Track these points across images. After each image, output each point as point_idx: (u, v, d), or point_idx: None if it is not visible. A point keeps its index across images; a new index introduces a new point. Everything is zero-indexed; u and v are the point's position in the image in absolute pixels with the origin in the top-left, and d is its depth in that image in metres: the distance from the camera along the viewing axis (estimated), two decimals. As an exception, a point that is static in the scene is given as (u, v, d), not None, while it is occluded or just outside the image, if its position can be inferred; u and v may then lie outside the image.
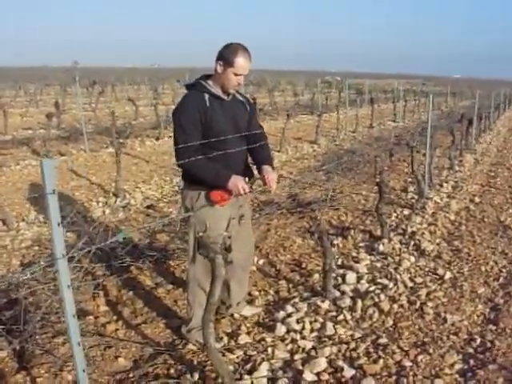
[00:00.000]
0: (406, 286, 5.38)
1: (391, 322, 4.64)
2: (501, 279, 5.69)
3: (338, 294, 5.13)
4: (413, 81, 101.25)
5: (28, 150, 13.55)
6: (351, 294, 5.16)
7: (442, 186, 9.82)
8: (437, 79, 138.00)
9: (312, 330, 4.48)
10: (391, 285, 5.35)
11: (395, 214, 7.92)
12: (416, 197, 8.89)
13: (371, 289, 5.27)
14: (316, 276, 5.57)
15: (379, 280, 5.47)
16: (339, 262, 6.02)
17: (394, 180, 10.51)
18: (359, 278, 5.53)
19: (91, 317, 4.73)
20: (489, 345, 4.29)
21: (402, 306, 4.95)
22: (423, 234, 6.95)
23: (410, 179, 10.44)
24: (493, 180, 10.95)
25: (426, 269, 5.88)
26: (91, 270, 5.58)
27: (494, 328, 4.59)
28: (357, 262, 5.94)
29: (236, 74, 3.78)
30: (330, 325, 4.49)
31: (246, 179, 4.01)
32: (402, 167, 12.03)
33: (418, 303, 4.96)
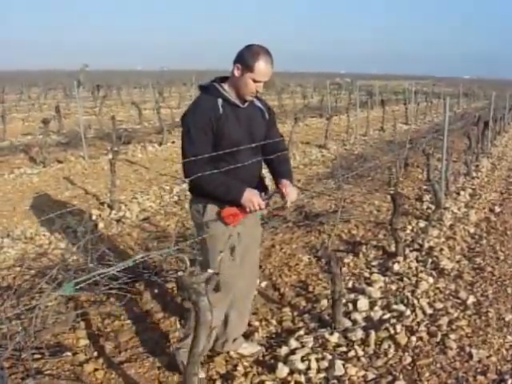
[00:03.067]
0: (424, 313, 4.78)
1: (409, 359, 4.05)
2: (531, 305, 5.11)
3: (348, 323, 4.55)
4: (423, 81, 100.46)
5: (25, 157, 13.02)
6: (363, 324, 4.58)
7: (458, 193, 9.23)
8: (447, 80, 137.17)
9: (319, 370, 3.89)
10: (408, 312, 4.75)
11: (410, 227, 7.33)
12: (432, 206, 8.30)
13: (386, 317, 4.69)
14: (324, 302, 4.97)
15: (394, 306, 4.88)
16: (350, 285, 5.44)
17: (407, 188, 9.92)
18: (372, 304, 4.94)
19: (69, 353, 4.16)
20: (522, 387, 3.71)
21: (421, 338, 4.35)
22: (442, 249, 6.35)
23: (425, 187, 9.85)
24: (512, 187, 10.35)
25: (447, 291, 5.29)
26: (75, 296, 5.02)
27: (527, 365, 4.01)
28: (369, 285, 5.36)
29: (255, 81, 3.36)
30: (339, 363, 3.90)
31: (262, 194, 3.56)
32: (415, 173, 11.42)
33: (440, 335, 4.36)
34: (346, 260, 6.08)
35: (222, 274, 3.03)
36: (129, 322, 4.70)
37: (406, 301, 5.01)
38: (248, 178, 3.56)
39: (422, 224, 7.45)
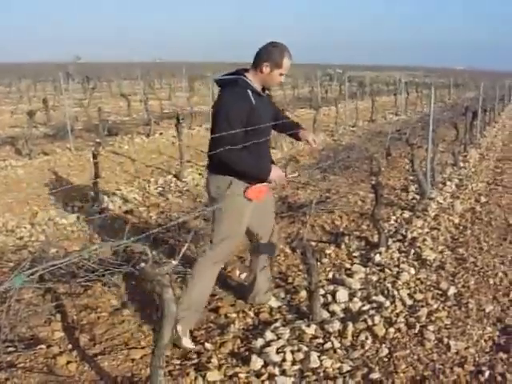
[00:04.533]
0: (404, 305, 4.73)
1: (386, 351, 3.99)
2: (511, 294, 5.06)
3: (326, 315, 4.50)
4: (415, 73, 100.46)
5: (11, 149, 12.90)
6: (341, 316, 4.54)
7: (445, 184, 9.19)
8: (439, 71, 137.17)
9: (294, 363, 3.84)
10: (388, 303, 4.70)
11: (394, 217, 7.29)
12: (417, 197, 8.26)
13: (365, 308, 4.64)
14: (303, 293, 4.91)
15: (374, 297, 4.83)
16: (330, 276, 5.39)
17: (393, 178, 9.88)
18: (352, 296, 4.89)
19: (43, 346, 4.10)
20: (499, 378, 3.67)
21: (399, 329, 4.29)
22: (425, 240, 6.31)
23: (411, 177, 9.80)
24: (499, 177, 10.29)
25: (428, 282, 5.24)
26: (53, 287, 4.96)
27: (504, 357, 3.96)
28: (350, 276, 5.30)
29: (281, 74, 3.96)
30: (314, 355, 3.85)
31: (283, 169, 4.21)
32: (402, 164, 11.39)
33: (418, 326, 4.31)
34: (327, 251, 6.03)
35: (230, 240, 4.06)
36: (105, 314, 4.64)
37: (386, 292, 4.96)
38: (266, 152, 4.23)
39: (406, 214, 7.41)
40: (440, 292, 5.01)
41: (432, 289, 5.10)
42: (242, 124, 3.79)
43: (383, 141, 14.14)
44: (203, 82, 34.65)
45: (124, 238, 3.67)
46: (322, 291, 4.94)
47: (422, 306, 4.68)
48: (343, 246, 6.21)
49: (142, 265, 2.52)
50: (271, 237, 4.54)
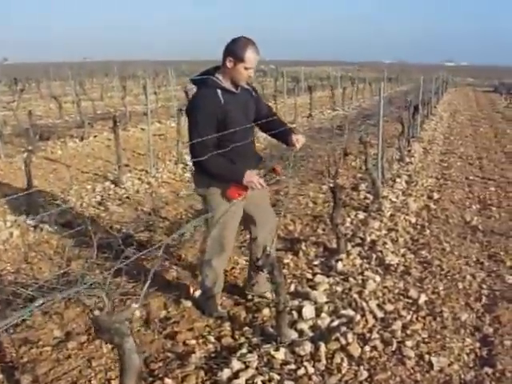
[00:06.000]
0: (375, 318, 4.39)
1: (366, 374, 3.63)
2: (483, 299, 4.81)
3: (294, 335, 4.09)
4: (347, 67, 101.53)
5: None
6: (311, 334, 4.15)
7: (395, 181, 8.96)
8: (370, 64, 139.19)
9: (266, 395, 3.44)
10: (358, 317, 4.35)
11: (349, 219, 6.96)
12: (369, 196, 7.97)
13: (334, 324, 4.27)
14: (265, 311, 4.50)
15: (343, 311, 4.46)
16: (292, 289, 4.98)
17: (342, 177, 9.54)
18: (318, 310, 4.51)
19: (-21, 392, 3.57)
20: (490, 398, 3.37)
21: (375, 347, 3.94)
22: (385, 243, 6.01)
23: (359, 175, 9.53)
24: (447, 171, 10.16)
25: (396, 290, 4.93)
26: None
27: (490, 371, 3.68)
28: (313, 288, 4.92)
29: (246, 68, 3.85)
30: (289, 385, 3.47)
31: (261, 173, 4.32)
32: (349, 160, 11.10)
33: (395, 343, 3.97)
34: (285, 260, 5.64)
35: (222, 235, 4.22)
36: (48, 348, 4.09)
37: (353, 304, 4.61)
38: (247, 152, 4.12)
39: (361, 215, 7.11)
40: (410, 301, 4.72)
41: (401, 298, 4.79)
42: (212, 126, 3.85)
43: (324, 137, 13.88)
44: (135, 82, 33.91)
45: (64, 258, 3.19)
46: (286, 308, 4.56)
47: (395, 319, 4.36)
48: (301, 254, 5.83)
49: (97, 313, 2.05)
50: (270, 225, 4.54)
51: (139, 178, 9.54)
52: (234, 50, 3.82)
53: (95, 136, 14.24)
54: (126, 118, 16.13)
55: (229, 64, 3.85)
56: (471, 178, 9.66)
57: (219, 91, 3.88)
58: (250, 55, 3.81)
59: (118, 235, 5.57)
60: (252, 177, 3.92)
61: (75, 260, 5.75)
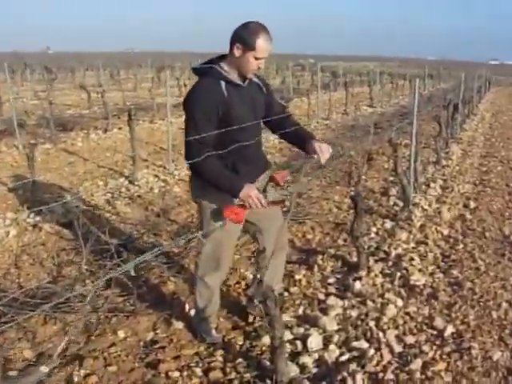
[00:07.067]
0: (392, 352, 3.77)
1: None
2: (521, 332, 4.14)
3: (295, 371, 3.51)
4: (388, 63, 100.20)
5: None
6: (314, 371, 3.55)
7: (428, 186, 8.27)
8: (412, 61, 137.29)
9: None
10: (372, 351, 3.74)
11: (374, 229, 6.33)
12: (399, 202, 7.31)
13: (343, 358, 3.68)
14: (266, 340, 3.90)
15: (355, 343, 3.86)
16: (300, 312, 4.37)
17: (371, 179, 8.89)
18: (327, 340, 3.91)
19: None
20: None
21: (389, 393, 3.34)
22: (412, 259, 5.37)
23: (391, 178, 8.85)
24: (486, 177, 9.40)
25: (419, 318, 4.29)
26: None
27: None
28: (324, 312, 4.30)
29: (257, 58, 3.32)
30: None
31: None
32: (380, 161, 10.42)
33: (413, 388, 3.36)
34: (297, 276, 5.02)
35: (216, 252, 3.66)
36: (13, 373, 3.57)
37: (369, 334, 4.00)
38: (252, 154, 3.60)
39: (388, 225, 6.46)
40: (435, 332, 4.08)
41: (425, 327, 4.15)
42: (212, 122, 3.32)
43: (359, 136, 13.18)
44: (173, 73, 33.54)
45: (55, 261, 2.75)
46: (289, 335, 3.97)
47: (415, 355, 3.73)
48: (316, 269, 5.22)
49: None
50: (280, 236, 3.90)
51: (156, 175, 9.02)
52: (244, 36, 3.28)
53: (120, 128, 13.76)
54: (154, 111, 15.66)
55: (236, 52, 3.32)
56: (512, 185, 8.92)
57: (223, 83, 3.37)
58: (261, 43, 3.27)
59: (112, 241, 5.01)
60: (251, 192, 3.31)
61: (68, 265, 5.28)
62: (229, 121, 3.36)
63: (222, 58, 3.46)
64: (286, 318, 4.21)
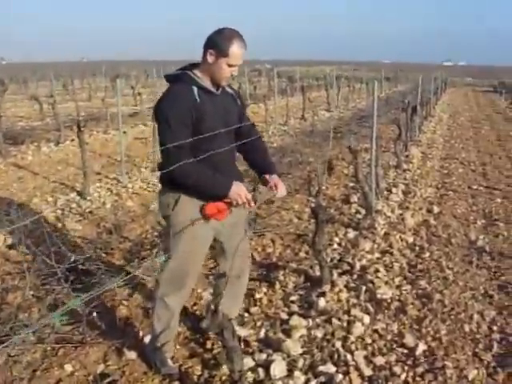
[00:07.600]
0: (362, 377, 3.52)
1: None
2: (495, 346, 3.93)
3: (257, 404, 3.23)
4: (344, 67, 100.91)
5: None
6: (278, 401, 3.27)
7: (390, 191, 8.10)
8: (368, 64, 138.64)
9: None
10: (340, 376, 3.48)
11: (337, 239, 6.09)
12: (361, 210, 7.08)
13: (309, 385, 3.40)
14: (225, 369, 3.59)
15: (321, 367, 3.59)
16: (261, 335, 4.08)
17: (332, 186, 8.67)
18: (291, 366, 3.63)
19: None
20: None
21: (359, 425, 3.07)
22: (377, 270, 5.15)
23: (351, 184, 8.64)
24: (448, 180, 9.29)
25: (388, 336, 4.05)
26: None
27: None
28: (288, 335, 4.02)
29: (230, 65, 3.24)
30: None
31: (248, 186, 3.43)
32: (340, 167, 10.20)
33: (384, 418, 3.10)
34: (257, 295, 4.72)
35: (183, 268, 3.44)
36: None
37: (335, 356, 3.74)
38: (225, 165, 3.44)
39: (351, 234, 6.24)
40: (406, 351, 3.85)
41: (395, 346, 3.92)
42: (186, 127, 3.17)
43: (318, 141, 12.95)
44: (127, 82, 33.02)
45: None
46: (251, 361, 3.68)
47: (387, 379, 3.49)
48: (277, 286, 4.93)
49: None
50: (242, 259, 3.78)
51: (108, 189, 8.64)
52: (218, 42, 3.19)
53: (72, 140, 13.28)
54: (108, 121, 15.21)
55: (210, 58, 3.22)
56: (474, 187, 8.80)
57: (195, 88, 3.24)
58: (235, 50, 3.19)
59: (59, 265, 4.65)
60: (240, 190, 3.24)
61: (13, 292, 4.91)
62: (201, 127, 3.21)
63: (195, 65, 3.36)
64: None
